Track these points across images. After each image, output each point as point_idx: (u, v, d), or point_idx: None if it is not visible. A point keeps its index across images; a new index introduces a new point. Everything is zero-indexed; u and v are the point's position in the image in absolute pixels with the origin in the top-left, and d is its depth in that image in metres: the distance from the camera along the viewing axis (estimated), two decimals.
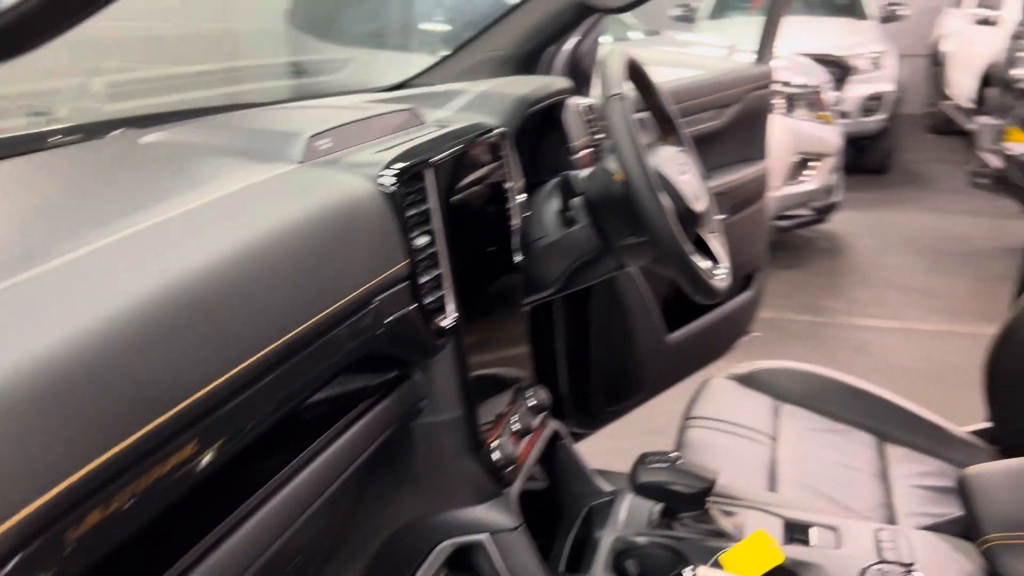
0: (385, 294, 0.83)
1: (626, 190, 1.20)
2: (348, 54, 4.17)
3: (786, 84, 4.47)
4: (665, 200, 1.23)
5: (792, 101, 4.50)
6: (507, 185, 1.17)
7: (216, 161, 0.88)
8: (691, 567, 1.06)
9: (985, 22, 6.67)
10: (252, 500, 0.70)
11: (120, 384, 0.53)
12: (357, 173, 0.87)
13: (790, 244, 5.00)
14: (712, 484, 1.12)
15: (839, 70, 5.86)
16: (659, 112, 1.47)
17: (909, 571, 1.00)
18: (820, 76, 4.72)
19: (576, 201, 1.30)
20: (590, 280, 1.42)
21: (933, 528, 1.21)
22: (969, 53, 6.96)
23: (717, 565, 1.06)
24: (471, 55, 1.64)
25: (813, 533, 1.15)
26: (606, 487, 1.27)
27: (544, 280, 1.34)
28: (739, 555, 1.04)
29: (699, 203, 1.35)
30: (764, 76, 2.37)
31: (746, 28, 6.26)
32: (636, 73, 1.38)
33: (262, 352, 0.65)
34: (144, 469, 0.54)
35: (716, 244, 1.49)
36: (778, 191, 4.40)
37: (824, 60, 5.63)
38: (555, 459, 1.27)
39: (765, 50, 2.41)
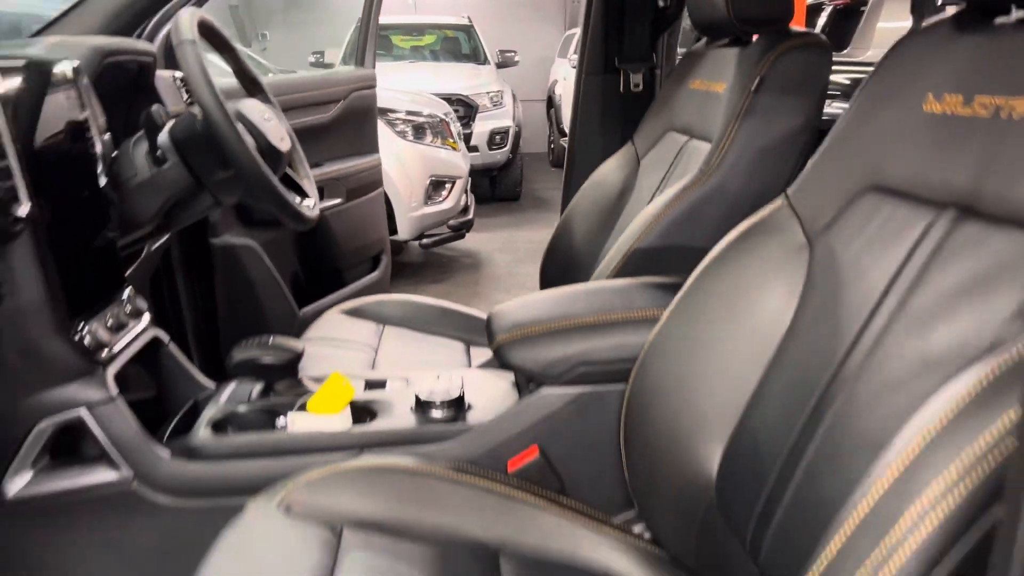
0: None
1: (208, 126, 1.36)
2: None
3: (414, 115, 4.92)
4: (248, 138, 1.41)
5: (421, 130, 4.95)
6: (83, 115, 1.27)
7: None
8: (283, 416, 1.23)
9: None
10: None
11: None
12: None
13: (435, 262, 5.44)
14: (301, 354, 1.30)
15: (466, 108, 6.51)
16: (242, 73, 1.65)
17: (461, 394, 1.27)
18: (444, 108, 5.25)
19: (164, 140, 1.43)
20: (189, 219, 1.54)
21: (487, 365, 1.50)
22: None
23: (303, 409, 1.24)
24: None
25: (389, 383, 1.39)
26: (210, 383, 1.39)
27: (139, 218, 1.44)
28: (321, 398, 1.23)
29: (283, 143, 1.54)
30: (367, 78, 2.67)
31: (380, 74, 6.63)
32: (210, 32, 1.55)
33: None
34: None
35: (305, 182, 1.69)
36: (417, 211, 4.80)
37: (452, 99, 6.24)
38: (159, 364, 1.37)
39: (365, 54, 2.72)
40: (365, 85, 2.65)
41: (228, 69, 1.65)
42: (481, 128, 6.59)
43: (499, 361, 1.25)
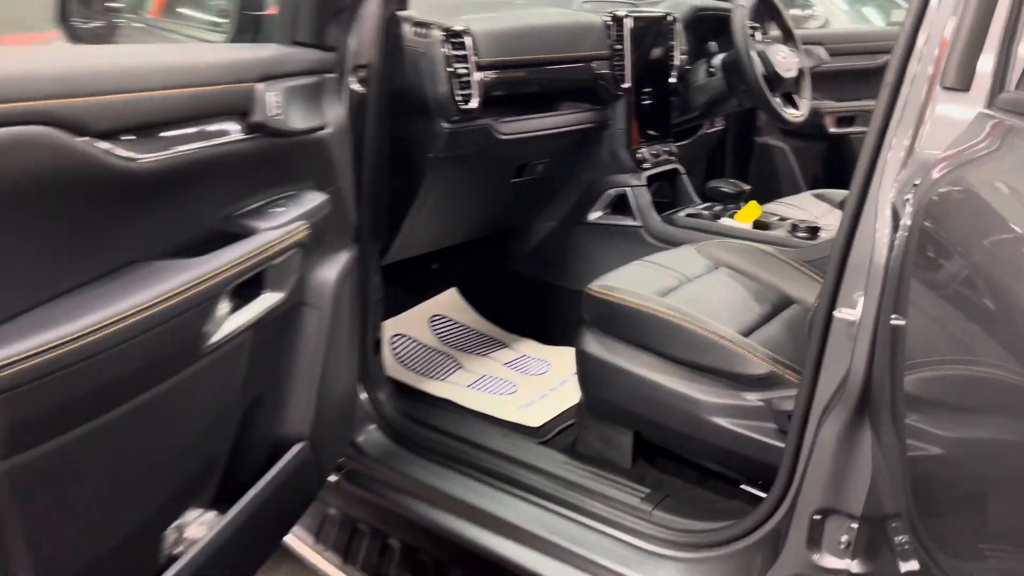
0: (596, 61, 2.14)
1: (737, 57, 2.39)
2: None
3: None
4: (759, 66, 2.40)
5: None
6: (671, 42, 2.41)
7: None
8: (722, 219, 2.26)
9: None
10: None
11: None
12: (595, 13, 2.18)
13: None
14: (748, 190, 2.29)
15: None
16: (782, 26, 2.60)
17: (818, 226, 2.11)
18: None
19: (716, 62, 2.50)
20: (719, 113, 2.62)
21: None
22: None
23: (731, 217, 2.25)
24: None
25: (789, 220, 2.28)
26: (699, 200, 2.46)
27: (691, 106, 2.56)
28: (743, 213, 2.21)
29: (788, 72, 2.48)
30: None
31: None
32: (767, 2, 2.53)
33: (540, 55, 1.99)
34: None
35: (803, 101, 2.58)
36: None
37: None
38: (675, 184, 2.49)
39: None
40: None
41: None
42: None
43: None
